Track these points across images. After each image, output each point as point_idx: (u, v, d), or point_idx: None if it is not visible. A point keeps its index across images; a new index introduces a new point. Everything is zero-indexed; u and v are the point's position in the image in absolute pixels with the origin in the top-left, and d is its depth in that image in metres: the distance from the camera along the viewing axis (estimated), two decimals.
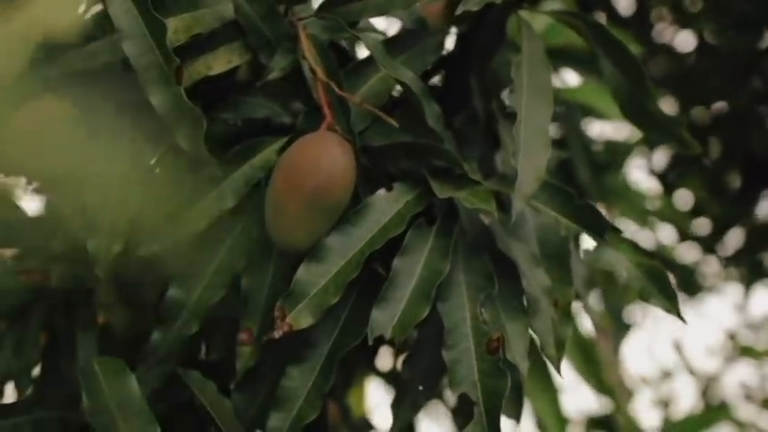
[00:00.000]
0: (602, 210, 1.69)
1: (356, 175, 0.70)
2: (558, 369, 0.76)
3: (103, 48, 0.69)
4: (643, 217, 1.74)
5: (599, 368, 1.64)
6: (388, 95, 0.77)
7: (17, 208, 1.15)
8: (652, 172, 1.91)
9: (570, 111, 1.37)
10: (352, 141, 0.70)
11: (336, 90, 0.70)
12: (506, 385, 0.67)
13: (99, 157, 0.72)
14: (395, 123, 0.69)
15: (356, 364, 1.27)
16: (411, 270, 0.69)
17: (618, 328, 1.92)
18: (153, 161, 0.75)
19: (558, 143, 1.38)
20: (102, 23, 0.68)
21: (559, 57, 1.34)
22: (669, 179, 1.93)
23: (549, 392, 1.52)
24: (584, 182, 1.39)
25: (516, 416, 0.83)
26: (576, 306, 1.57)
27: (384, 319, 0.67)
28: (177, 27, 0.71)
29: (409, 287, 0.68)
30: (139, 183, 0.72)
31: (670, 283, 0.73)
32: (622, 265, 0.74)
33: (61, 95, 0.71)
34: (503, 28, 0.85)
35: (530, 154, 0.72)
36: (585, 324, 1.66)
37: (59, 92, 0.70)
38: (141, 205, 0.72)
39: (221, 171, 0.71)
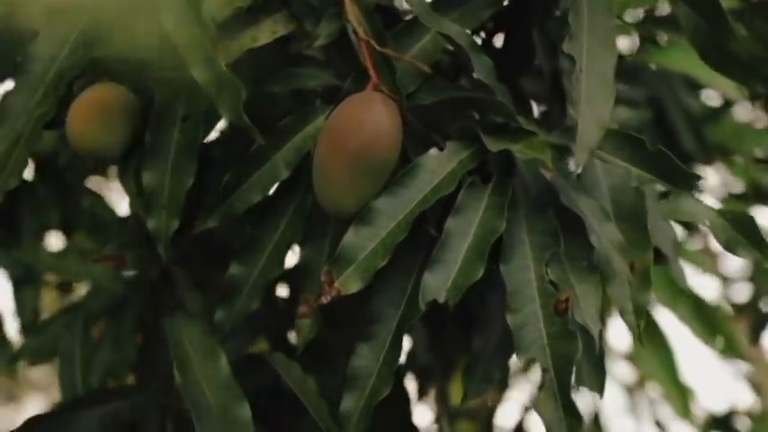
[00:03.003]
0: (713, 171, 1.57)
1: (404, 136, 0.67)
2: (638, 337, 0.70)
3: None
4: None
5: (723, 327, 1.47)
6: (440, 54, 0.74)
7: (110, 208, 1.20)
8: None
9: (664, 74, 1.28)
10: (399, 100, 0.68)
11: (377, 48, 0.68)
12: (577, 348, 0.62)
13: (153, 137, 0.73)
14: (427, 69, 0.66)
15: (457, 349, 1.23)
16: (465, 230, 0.65)
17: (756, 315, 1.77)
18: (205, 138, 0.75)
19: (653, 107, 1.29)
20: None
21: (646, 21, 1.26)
22: None
23: (664, 356, 1.40)
24: (687, 146, 1.30)
25: (599, 388, 0.77)
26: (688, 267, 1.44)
27: (437, 282, 0.63)
28: (220, 1, 0.71)
29: (463, 248, 0.65)
30: (193, 159, 0.72)
31: (759, 231, 0.66)
32: (704, 215, 0.68)
33: (110, 77, 0.73)
34: None
35: (592, 103, 0.66)
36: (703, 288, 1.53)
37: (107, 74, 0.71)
38: (196, 182, 0.72)
39: (267, 141, 0.69)
